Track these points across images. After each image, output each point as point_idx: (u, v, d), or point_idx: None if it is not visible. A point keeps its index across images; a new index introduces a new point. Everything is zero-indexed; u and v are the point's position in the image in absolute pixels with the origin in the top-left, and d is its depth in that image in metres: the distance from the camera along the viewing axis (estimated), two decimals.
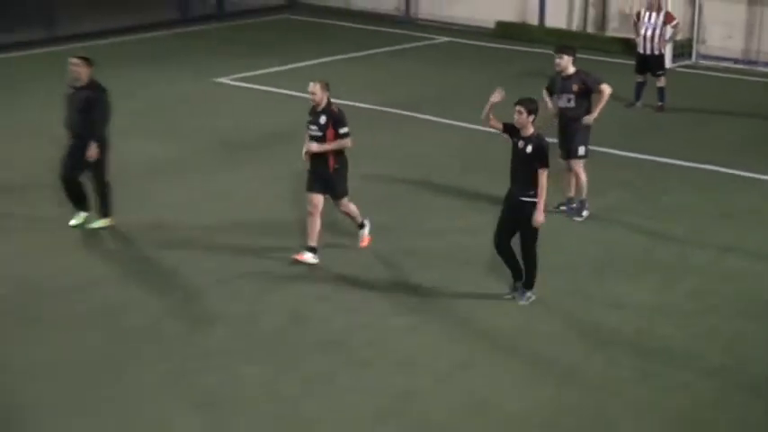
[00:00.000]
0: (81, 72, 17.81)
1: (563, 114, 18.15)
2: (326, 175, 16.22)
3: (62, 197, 18.24)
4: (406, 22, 35.39)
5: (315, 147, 16.18)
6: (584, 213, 18.39)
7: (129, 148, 21.54)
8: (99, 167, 17.87)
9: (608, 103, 18.42)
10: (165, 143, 22.86)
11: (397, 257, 17.30)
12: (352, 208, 16.81)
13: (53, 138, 18.94)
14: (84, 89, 17.75)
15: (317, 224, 16.42)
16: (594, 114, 18.06)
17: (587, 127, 18.14)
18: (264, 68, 29.56)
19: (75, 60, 18.05)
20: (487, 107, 15.02)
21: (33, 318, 15.49)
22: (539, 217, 14.43)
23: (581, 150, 18.11)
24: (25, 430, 12.84)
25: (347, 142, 16.23)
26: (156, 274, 16.84)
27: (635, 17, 25.48)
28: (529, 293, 15.22)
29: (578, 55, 18.40)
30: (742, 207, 19.15)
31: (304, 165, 16.59)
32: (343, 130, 16.11)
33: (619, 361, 13.86)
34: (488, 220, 15.70)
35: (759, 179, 20.47)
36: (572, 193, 18.46)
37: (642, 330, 14.55)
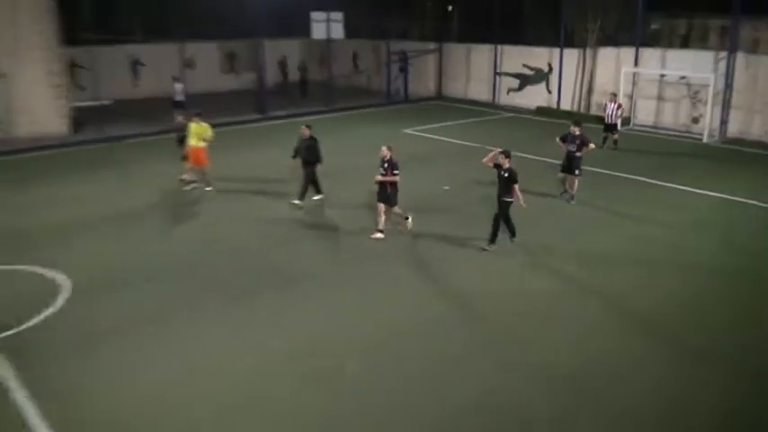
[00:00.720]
0: (305, 132, 17.52)
1: (569, 153, 18.05)
2: (386, 193, 15.45)
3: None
4: (492, 105, 34.84)
5: (379, 177, 15.36)
6: (574, 201, 18.07)
7: (352, 161, 22.00)
8: (315, 174, 17.72)
9: (591, 149, 18.20)
10: (370, 159, 22.78)
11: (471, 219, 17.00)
12: (399, 211, 15.72)
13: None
14: (307, 140, 17.45)
15: (382, 218, 15.56)
16: (583, 152, 17.93)
17: (581, 158, 17.99)
18: (426, 125, 29.16)
19: (303, 127, 17.76)
20: (491, 156, 14.96)
21: (302, 236, 15.63)
22: (523, 205, 14.54)
23: (577, 171, 18.02)
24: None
25: (397, 178, 15.26)
26: (354, 222, 16.56)
27: (603, 105, 25.10)
28: (515, 239, 15.10)
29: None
30: (655, 199, 18.72)
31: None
32: (396, 171, 15.21)
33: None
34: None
35: (663, 185, 19.93)
36: (568, 189, 18.30)
37: (594, 270, 14.23)
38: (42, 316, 11.77)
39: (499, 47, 34.86)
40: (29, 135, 25.62)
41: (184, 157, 19.40)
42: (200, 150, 18.77)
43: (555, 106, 32.46)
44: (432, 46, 37.80)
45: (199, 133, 18.71)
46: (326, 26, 31.83)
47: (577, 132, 17.95)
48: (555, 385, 9.85)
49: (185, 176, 19.38)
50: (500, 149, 14.79)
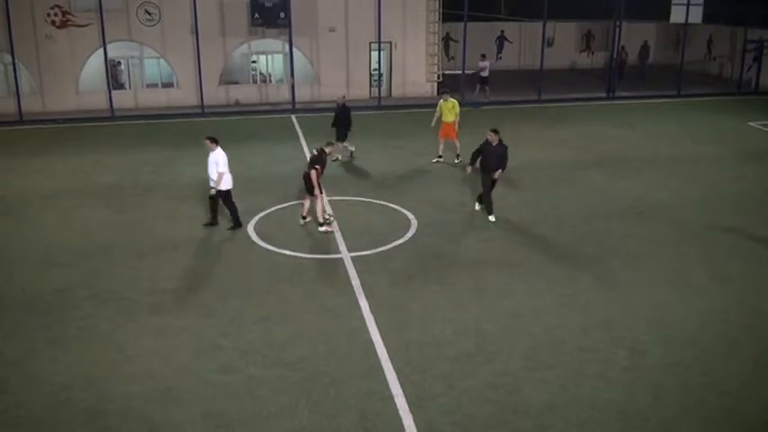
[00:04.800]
0: (493, 137, 14.53)
1: None
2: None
3: None
4: None
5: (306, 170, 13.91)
6: None
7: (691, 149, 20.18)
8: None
9: None
10: (705, 147, 20.95)
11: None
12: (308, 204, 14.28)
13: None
14: (497, 146, 14.51)
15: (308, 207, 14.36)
16: None
17: None
18: None
19: (490, 131, 14.70)
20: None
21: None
22: None
23: None
24: None
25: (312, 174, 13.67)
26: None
27: None
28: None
29: None
30: None
31: None
32: (316, 166, 13.65)
33: None
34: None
35: None
36: None
37: None
38: (393, 244, 13.66)
39: None
40: (401, 95, 29.14)
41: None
42: (448, 125, 19.26)
43: None
44: None
45: (447, 110, 19.19)
46: (686, 9, 30.07)
47: None
48: None
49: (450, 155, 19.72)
50: None
